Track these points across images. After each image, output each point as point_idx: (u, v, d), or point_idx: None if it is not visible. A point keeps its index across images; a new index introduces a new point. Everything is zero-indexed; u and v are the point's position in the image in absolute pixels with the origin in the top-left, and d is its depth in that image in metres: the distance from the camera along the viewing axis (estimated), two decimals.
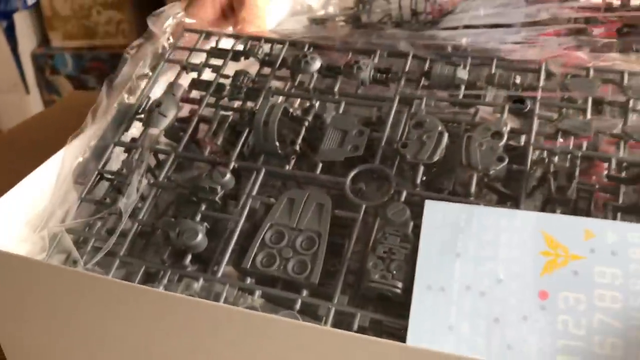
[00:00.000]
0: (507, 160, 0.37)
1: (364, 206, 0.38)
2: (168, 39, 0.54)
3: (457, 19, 0.61)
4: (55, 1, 1.78)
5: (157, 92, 0.49)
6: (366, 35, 0.61)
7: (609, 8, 0.61)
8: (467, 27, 0.59)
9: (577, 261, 0.33)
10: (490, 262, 0.33)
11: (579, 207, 0.37)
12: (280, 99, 0.46)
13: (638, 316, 0.31)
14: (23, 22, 1.80)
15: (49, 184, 0.41)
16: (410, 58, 0.47)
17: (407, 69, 0.46)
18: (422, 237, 0.35)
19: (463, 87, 0.44)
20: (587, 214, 0.37)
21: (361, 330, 0.33)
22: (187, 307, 0.33)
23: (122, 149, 0.44)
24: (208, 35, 0.52)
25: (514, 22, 0.58)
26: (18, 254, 0.36)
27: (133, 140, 0.44)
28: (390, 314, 0.34)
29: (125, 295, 0.33)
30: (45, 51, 1.85)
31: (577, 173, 0.38)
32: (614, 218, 0.36)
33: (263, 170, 0.40)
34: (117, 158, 0.44)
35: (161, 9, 0.56)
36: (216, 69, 0.48)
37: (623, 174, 0.38)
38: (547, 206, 0.37)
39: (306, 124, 0.42)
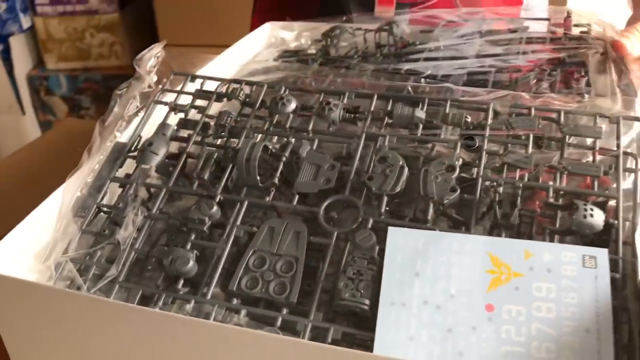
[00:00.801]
0: (459, 191, 0.43)
1: (335, 233, 0.43)
2: (153, 78, 0.59)
3: (418, 51, 0.67)
4: (49, 25, 1.83)
5: (146, 130, 0.54)
6: (335, 70, 0.67)
7: (554, 38, 0.67)
8: (426, 59, 0.65)
9: (518, 278, 0.38)
10: (444, 280, 0.39)
11: (522, 231, 0.43)
12: (260, 136, 0.51)
13: (569, 324, 0.36)
14: (19, 45, 1.85)
15: (51, 218, 0.46)
16: (375, 99, 0.52)
17: (372, 108, 0.51)
18: (386, 259, 0.40)
19: (421, 126, 0.49)
20: (530, 236, 0.42)
21: (335, 342, 0.38)
22: (182, 325, 0.37)
23: (117, 184, 0.49)
24: (193, 78, 0.57)
25: (469, 54, 0.65)
26: (30, 281, 0.40)
27: (127, 176, 0.49)
28: (359, 327, 0.38)
29: (127, 315, 0.38)
30: (40, 73, 1.89)
31: (519, 201, 0.43)
32: (552, 240, 0.41)
33: (246, 202, 0.45)
34: (112, 192, 0.49)
35: (143, 52, 0.61)
36: (201, 110, 0.53)
37: (560, 201, 0.43)
38: (494, 230, 0.43)
39: (284, 159, 0.47)
